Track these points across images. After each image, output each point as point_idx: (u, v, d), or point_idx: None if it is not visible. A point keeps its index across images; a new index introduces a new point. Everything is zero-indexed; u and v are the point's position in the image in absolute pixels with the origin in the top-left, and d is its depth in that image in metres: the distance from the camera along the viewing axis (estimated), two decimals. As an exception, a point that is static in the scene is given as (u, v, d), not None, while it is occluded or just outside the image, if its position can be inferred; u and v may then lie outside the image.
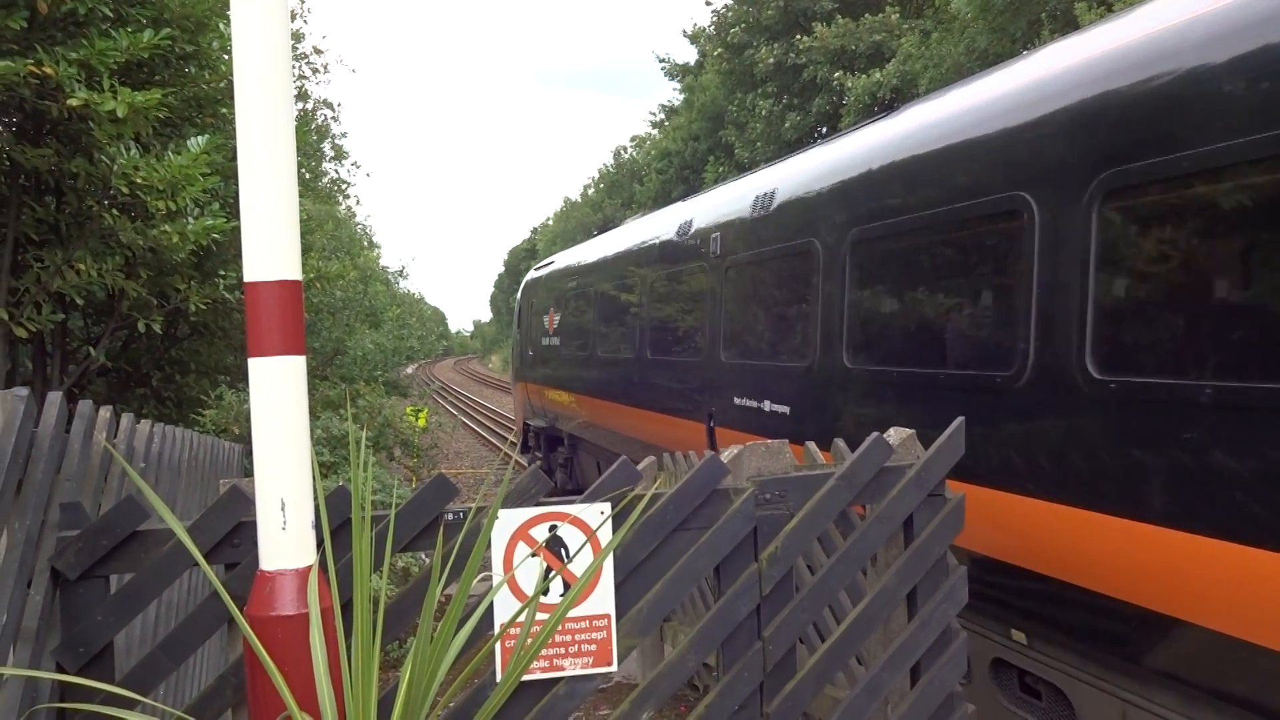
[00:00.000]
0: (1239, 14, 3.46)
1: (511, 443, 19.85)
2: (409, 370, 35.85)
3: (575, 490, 13.31)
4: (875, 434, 3.53)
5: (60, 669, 2.56)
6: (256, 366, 2.41)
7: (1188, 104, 3.62)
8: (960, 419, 3.67)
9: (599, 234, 15.48)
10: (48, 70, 5.69)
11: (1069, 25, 16.74)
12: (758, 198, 7.58)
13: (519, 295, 18.20)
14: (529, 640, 2.59)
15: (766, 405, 7.02)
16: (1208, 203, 3.57)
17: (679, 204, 10.73)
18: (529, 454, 17.00)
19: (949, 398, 4.92)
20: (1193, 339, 3.62)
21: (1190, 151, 3.58)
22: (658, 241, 10.02)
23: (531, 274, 17.78)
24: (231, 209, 7.61)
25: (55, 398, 2.70)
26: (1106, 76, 4.09)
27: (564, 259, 15.53)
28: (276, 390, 2.41)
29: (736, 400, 7.56)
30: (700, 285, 8.53)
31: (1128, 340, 3.90)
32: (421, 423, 13.92)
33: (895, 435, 3.65)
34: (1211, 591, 3.50)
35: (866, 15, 25.50)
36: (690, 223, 9.08)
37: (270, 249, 2.40)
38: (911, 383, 5.27)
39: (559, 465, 14.86)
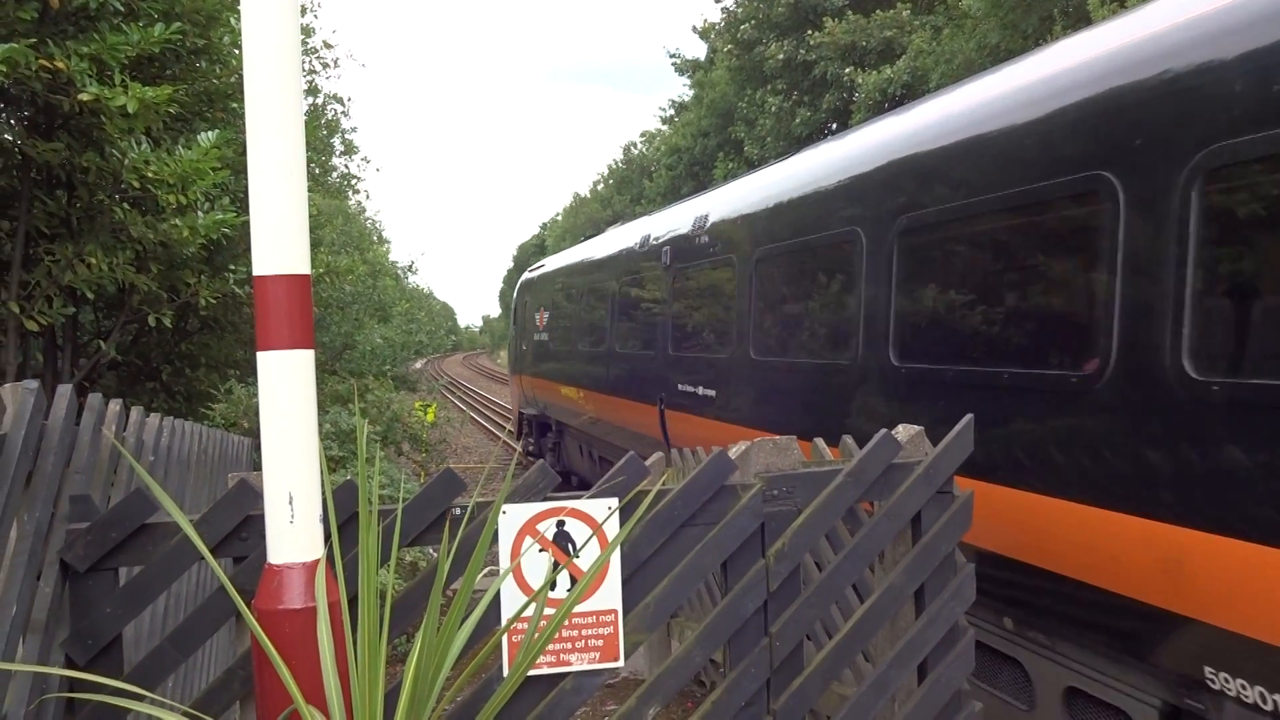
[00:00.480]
0: (956, 122, 5.23)
1: (510, 432, 20.37)
2: (418, 365, 35.89)
3: (562, 473, 15.00)
4: (884, 430, 3.52)
5: (69, 661, 2.57)
6: (265, 360, 2.41)
7: (935, 176, 5.29)
8: (969, 416, 3.67)
9: (585, 239, 16.97)
10: (59, 64, 5.70)
11: (1081, 20, 16.66)
12: (696, 219, 9.15)
13: (515, 294, 19.78)
14: (535, 635, 2.59)
15: (700, 390, 8.59)
16: (952, 242, 5.17)
17: (643, 218, 12.38)
18: (523, 440, 18.67)
19: (816, 380, 6.47)
20: (940, 337, 5.21)
21: (938, 207, 5.22)
22: (625, 251, 11.57)
23: (526, 275, 19.29)
24: (241, 203, 7.63)
25: (65, 390, 2.71)
26: (900, 149, 5.70)
27: (553, 262, 17.19)
28: (285, 384, 2.41)
29: (680, 386, 9.13)
30: (655, 290, 10.12)
31: (909, 337, 5.48)
32: (430, 418, 13.96)
33: (904, 432, 3.64)
34: None
35: (878, 11, 25.42)
36: (649, 236, 10.67)
37: (279, 243, 2.41)
38: (793, 369, 6.82)
39: (549, 449, 16.33)
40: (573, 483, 15.12)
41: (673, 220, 10.11)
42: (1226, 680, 3.59)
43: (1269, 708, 3.42)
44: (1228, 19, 3.60)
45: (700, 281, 8.87)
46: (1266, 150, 3.36)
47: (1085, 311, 4.18)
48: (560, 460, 15.71)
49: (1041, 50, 5.11)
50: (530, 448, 17.92)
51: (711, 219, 8.73)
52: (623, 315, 11.40)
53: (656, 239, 10.29)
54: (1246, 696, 3.52)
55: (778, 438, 3.50)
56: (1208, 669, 3.67)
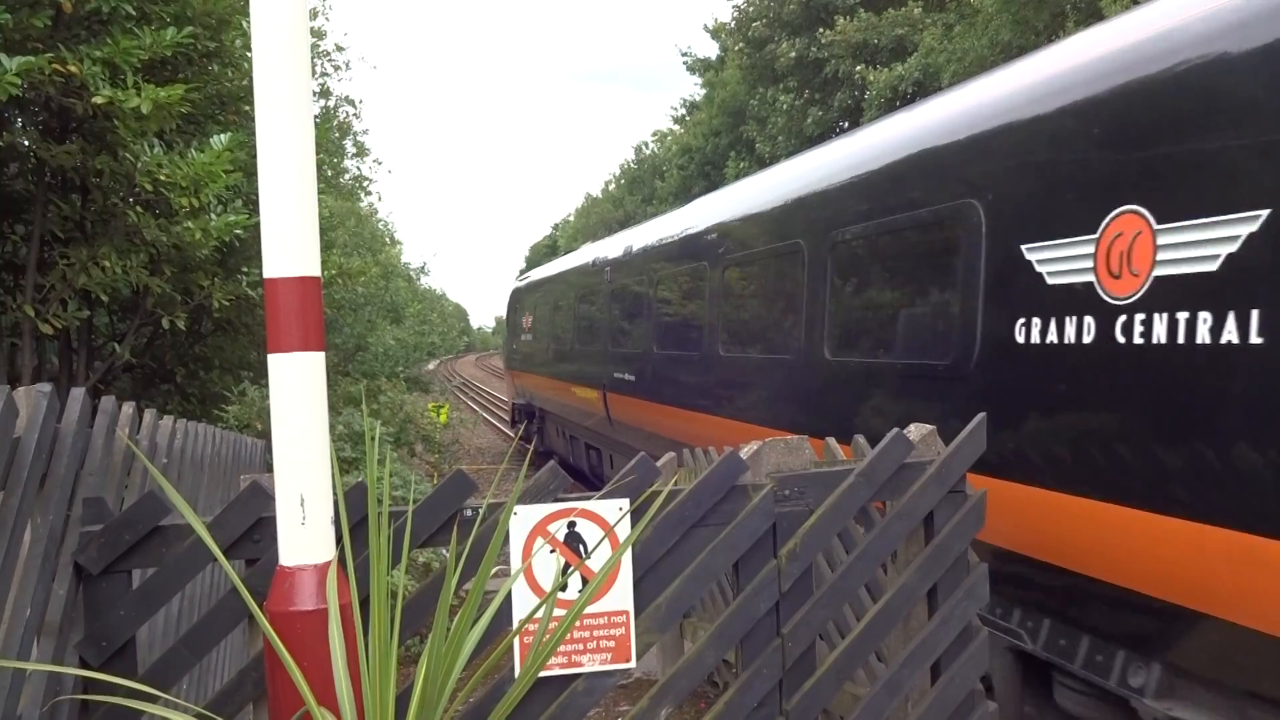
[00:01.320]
0: (745, 204, 8.58)
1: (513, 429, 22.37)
2: (431, 366, 35.95)
3: (544, 452, 19.09)
4: (896, 430, 3.50)
5: (83, 663, 2.58)
6: (276, 362, 2.42)
7: (740, 234, 8.45)
8: (982, 414, 3.66)
9: (565, 255, 21.55)
10: (72, 68, 5.73)
11: (1093, 16, 16.56)
12: (626, 247, 12.58)
13: (508, 300, 23.64)
14: (546, 636, 2.59)
15: (626, 376, 11.70)
16: (748, 274, 8.19)
17: (597, 243, 16.57)
18: (516, 426, 22.86)
19: (685, 366, 9.55)
20: (737, 336, 8.29)
21: (742, 252, 8.31)
22: (583, 267, 15.02)
23: (515, 284, 23.39)
24: (254, 206, 7.64)
25: (78, 394, 2.73)
26: (724, 215, 9.04)
27: (536, 274, 21.07)
28: (296, 386, 2.42)
29: (615, 375, 12.17)
30: (601, 300, 13.37)
31: (727, 335, 8.51)
32: (443, 419, 13.98)
33: (916, 431, 3.62)
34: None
35: (889, 9, 25.34)
36: (598, 258, 14.05)
37: (289, 245, 2.41)
38: (675, 360, 9.91)
39: (534, 432, 19.94)
40: (553, 459, 18.14)
41: (613, 246, 13.56)
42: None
43: None
44: (836, 173, 6.71)
45: (627, 294, 12.08)
46: (850, 236, 6.35)
47: (791, 319, 7.12)
48: (542, 440, 19.11)
49: (780, 164, 8.70)
50: (521, 433, 21.65)
51: (634, 248, 12.06)
52: (580, 318, 14.70)
53: (602, 260, 13.71)
54: None
55: (789, 437, 3.49)
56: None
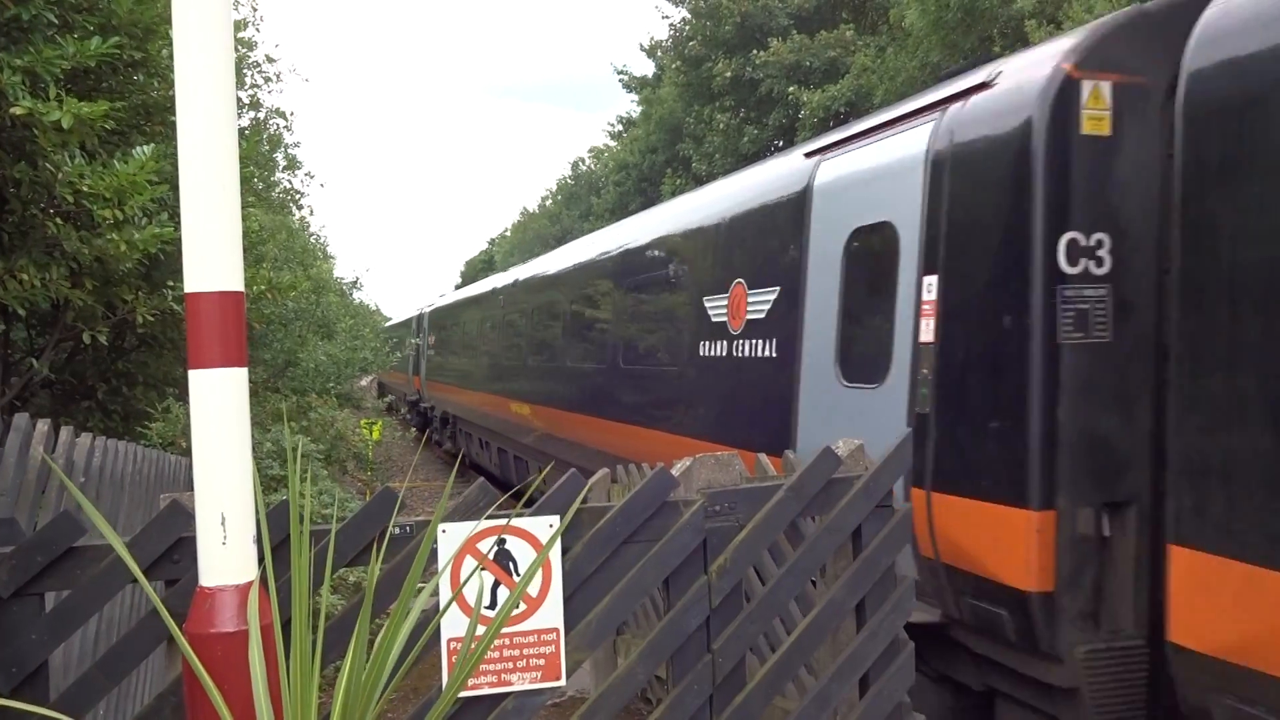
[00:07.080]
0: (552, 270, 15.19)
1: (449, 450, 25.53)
2: (363, 382, 35.60)
3: (391, 405, 29.09)
4: (825, 445, 3.55)
5: (-9, 689, 2.50)
6: (197, 378, 2.37)
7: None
8: (909, 430, 3.72)
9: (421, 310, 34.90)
10: (-11, 77, 5.56)
11: (1019, 41, 17.02)
12: (411, 318, 34.76)
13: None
14: (469, 653, 2.56)
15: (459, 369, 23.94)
16: (554, 311, 13.38)
17: (418, 308, 34.21)
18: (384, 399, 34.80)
19: (573, 379, 11.86)
20: (555, 351, 12.72)
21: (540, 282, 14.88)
22: (406, 319, 35.94)
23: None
24: (180, 219, 7.45)
25: (-11, 411, 2.65)
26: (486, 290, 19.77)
27: (390, 324, 39.99)
28: (217, 402, 2.37)
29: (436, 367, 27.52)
30: (422, 334, 30.63)
31: (579, 351, 11.42)
32: (375, 436, 13.80)
33: (844, 447, 3.67)
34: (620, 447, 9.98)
35: (822, 32, 25.74)
36: (420, 313, 31.20)
37: (211, 259, 2.38)
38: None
39: (384, 395, 32.37)
40: (400, 412, 31.49)
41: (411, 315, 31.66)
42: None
43: None
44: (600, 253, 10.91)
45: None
46: (636, 283, 9.21)
47: (606, 335, 9.92)
48: (385, 393, 31.84)
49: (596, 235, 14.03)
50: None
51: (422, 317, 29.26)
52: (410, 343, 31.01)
53: (399, 321, 38.43)
54: None
55: (720, 453, 3.52)
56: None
